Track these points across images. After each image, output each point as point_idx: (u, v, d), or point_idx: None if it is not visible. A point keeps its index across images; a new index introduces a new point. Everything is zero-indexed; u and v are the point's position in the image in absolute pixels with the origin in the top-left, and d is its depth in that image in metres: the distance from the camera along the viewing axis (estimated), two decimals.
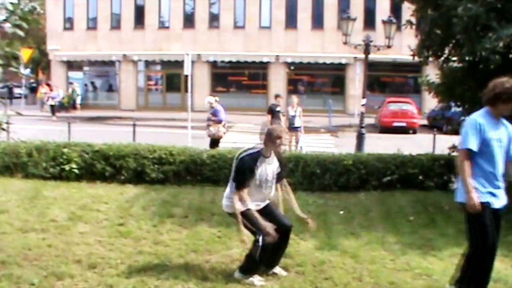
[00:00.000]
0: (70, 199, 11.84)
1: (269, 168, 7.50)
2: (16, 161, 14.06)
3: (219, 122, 17.19)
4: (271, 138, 7.38)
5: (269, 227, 7.16)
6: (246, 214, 7.26)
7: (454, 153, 13.28)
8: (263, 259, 7.34)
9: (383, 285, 7.39)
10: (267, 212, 7.58)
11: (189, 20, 46.13)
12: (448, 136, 13.98)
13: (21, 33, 6.33)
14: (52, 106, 38.42)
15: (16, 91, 53.74)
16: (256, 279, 7.34)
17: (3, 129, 6.33)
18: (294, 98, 21.21)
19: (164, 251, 8.54)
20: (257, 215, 7.27)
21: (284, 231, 7.58)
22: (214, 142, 16.96)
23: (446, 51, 12.68)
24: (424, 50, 12.82)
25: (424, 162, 13.71)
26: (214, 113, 17.20)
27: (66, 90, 44.69)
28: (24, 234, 9.29)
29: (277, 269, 7.73)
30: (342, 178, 13.40)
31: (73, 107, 43.90)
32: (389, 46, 22.12)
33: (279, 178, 7.75)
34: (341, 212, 11.38)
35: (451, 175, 13.76)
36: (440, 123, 25.85)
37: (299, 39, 44.35)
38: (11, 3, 6.44)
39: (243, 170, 7.35)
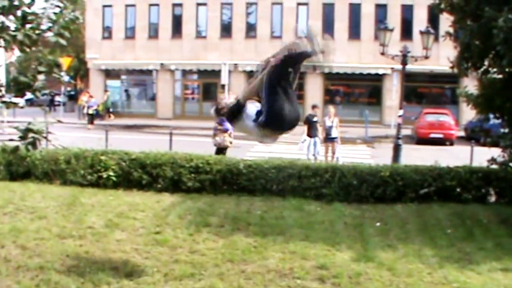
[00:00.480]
0: (107, 206, 11.94)
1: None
2: (55, 168, 14.24)
3: (225, 131, 17.16)
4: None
5: None
6: None
7: (493, 166, 13.14)
8: None
9: None
10: None
11: (226, 30, 46.31)
12: (486, 148, 13.77)
13: (63, 42, 6.42)
14: (90, 115, 38.69)
15: (56, 98, 54.54)
16: None
17: (45, 138, 6.41)
18: (331, 109, 21.15)
19: (200, 260, 8.57)
20: None
21: None
22: (220, 151, 16.90)
23: (486, 63, 12.54)
24: (463, 61, 12.69)
25: (462, 174, 13.56)
26: (220, 122, 17.17)
27: (102, 98, 45.12)
28: (62, 240, 9.40)
29: None
30: (379, 189, 13.30)
31: (108, 115, 44.30)
32: (426, 57, 21.96)
33: None
34: (378, 224, 11.30)
35: (489, 188, 13.61)
36: (477, 135, 25.51)
37: (335, 49, 44.18)
38: (54, 12, 6.55)
39: None
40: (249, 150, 23.65)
